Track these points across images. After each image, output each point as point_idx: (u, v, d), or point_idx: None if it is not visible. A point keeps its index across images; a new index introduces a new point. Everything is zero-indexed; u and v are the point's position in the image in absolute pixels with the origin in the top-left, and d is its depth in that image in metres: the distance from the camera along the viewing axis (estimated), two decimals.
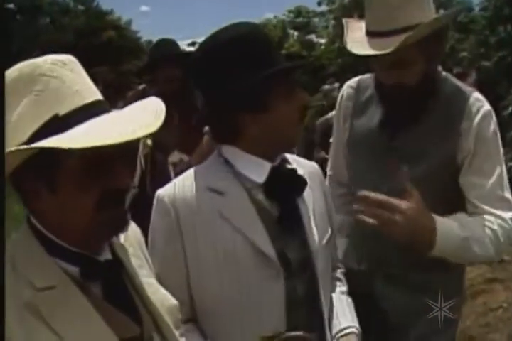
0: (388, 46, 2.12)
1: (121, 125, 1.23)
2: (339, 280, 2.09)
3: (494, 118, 2.26)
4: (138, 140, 2.89)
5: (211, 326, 1.75)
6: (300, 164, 1.91)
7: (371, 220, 1.91)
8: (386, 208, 1.91)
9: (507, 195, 2.24)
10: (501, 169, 2.25)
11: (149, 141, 3.53)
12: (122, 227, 1.36)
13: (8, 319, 1.10)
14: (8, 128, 1.20)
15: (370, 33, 2.23)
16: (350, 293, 2.16)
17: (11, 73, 1.26)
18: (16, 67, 1.28)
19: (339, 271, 2.12)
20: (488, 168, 2.23)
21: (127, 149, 1.31)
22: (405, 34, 2.10)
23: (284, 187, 1.79)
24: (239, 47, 1.70)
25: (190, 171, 1.83)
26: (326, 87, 9.89)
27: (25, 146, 1.18)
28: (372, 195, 1.92)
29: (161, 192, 1.78)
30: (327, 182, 2.70)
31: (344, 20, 2.42)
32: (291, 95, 1.75)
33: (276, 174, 1.78)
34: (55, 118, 1.24)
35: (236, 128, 1.74)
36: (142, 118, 1.27)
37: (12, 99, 1.23)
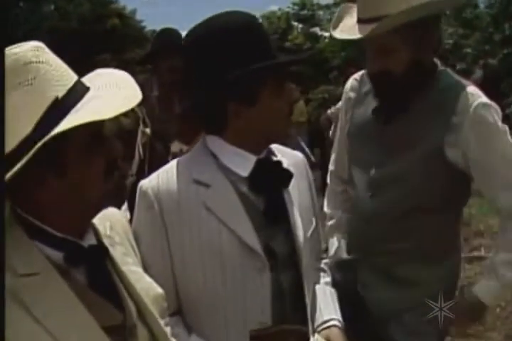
0: (360, 33, 2.20)
1: (111, 98, 1.28)
2: (323, 271, 2.08)
3: (492, 110, 2.24)
4: None
5: (195, 317, 1.75)
6: (285, 154, 1.89)
7: None
8: None
9: None
10: None
11: (148, 130, 3.52)
12: (123, 197, 1.40)
13: None
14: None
15: (358, 19, 2.28)
16: (339, 281, 2.16)
17: None
18: None
19: (323, 261, 2.11)
20: (503, 170, 2.24)
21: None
22: (378, 24, 2.15)
23: (269, 180, 1.77)
24: (232, 35, 1.68)
25: (174, 162, 1.81)
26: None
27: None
28: None
29: (144, 183, 1.77)
30: (328, 178, 2.70)
31: (344, 5, 2.46)
32: (280, 90, 1.73)
33: (261, 167, 1.76)
34: (56, 101, 1.25)
35: (222, 118, 1.72)
36: (124, 88, 1.32)
37: None
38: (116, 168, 1.36)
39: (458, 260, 2.52)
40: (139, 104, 1.32)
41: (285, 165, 1.82)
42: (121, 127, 3.33)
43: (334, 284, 2.09)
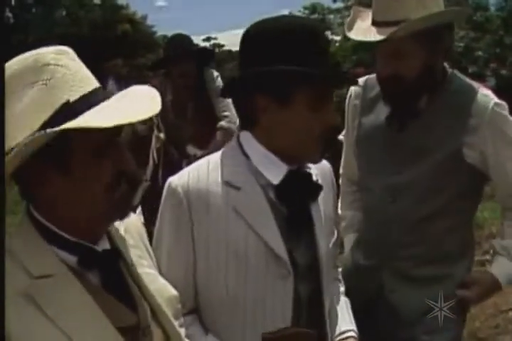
0: (380, 36, 2.19)
1: (124, 108, 1.29)
2: (339, 280, 2.08)
3: (504, 111, 2.29)
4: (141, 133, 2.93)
5: (212, 318, 1.74)
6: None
7: None
8: None
9: None
10: None
11: (162, 135, 3.55)
12: (129, 208, 1.40)
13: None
14: (13, 120, 1.22)
15: (373, 22, 2.29)
16: (359, 287, 2.16)
17: (11, 65, 1.27)
18: (16, 60, 1.29)
19: (338, 270, 2.11)
20: None
21: (130, 136, 1.38)
22: (397, 27, 2.15)
23: (298, 191, 1.75)
24: (288, 34, 1.66)
25: (205, 161, 1.79)
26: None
27: (57, 128, 1.21)
28: None
29: (173, 180, 1.74)
30: (340, 181, 2.73)
31: (355, 8, 2.47)
32: (318, 105, 1.67)
33: (292, 177, 1.74)
34: (66, 104, 1.27)
35: (250, 111, 1.71)
36: (142, 103, 1.33)
37: (15, 91, 1.25)
38: (124, 180, 1.35)
39: (473, 258, 2.55)
40: None
41: (315, 176, 1.80)
42: (136, 133, 3.36)
43: (354, 289, 2.10)
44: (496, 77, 12.12)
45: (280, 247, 1.69)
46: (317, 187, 1.79)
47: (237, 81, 1.77)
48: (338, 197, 2.12)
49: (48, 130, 1.21)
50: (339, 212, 2.71)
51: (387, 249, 2.41)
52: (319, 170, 1.86)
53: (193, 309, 1.75)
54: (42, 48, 1.32)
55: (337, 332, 1.89)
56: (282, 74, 1.64)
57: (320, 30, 1.77)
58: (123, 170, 1.34)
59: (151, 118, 3.24)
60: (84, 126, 1.20)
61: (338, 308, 1.95)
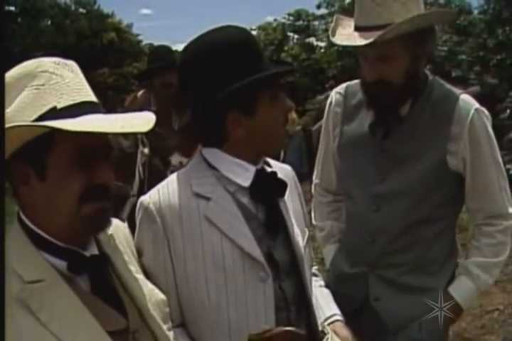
0: (365, 40, 2.17)
1: (111, 122, 1.33)
2: (315, 275, 2.10)
3: (485, 117, 2.30)
4: (127, 149, 2.94)
5: (198, 329, 1.76)
6: (276, 167, 1.93)
7: None
8: None
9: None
10: (503, 177, 2.34)
11: (146, 150, 3.60)
12: (105, 222, 1.43)
13: None
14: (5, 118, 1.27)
15: (356, 28, 2.29)
16: (346, 295, 2.19)
17: (16, 70, 1.36)
18: (21, 65, 1.37)
19: (314, 268, 2.12)
20: (490, 185, 2.32)
21: (113, 150, 1.44)
22: (384, 30, 2.14)
23: (268, 190, 1.81)
24: (228, 51, 1.72)
25: (173, 176, 1.83)
26: (320, 97, 9.97)
27: (33, 123, 1.28)
28: None
29: (145, 199, 1.78)
30: (313, 190, 2.74)
31: (336, 16, 2.46)
32: (275, 100, 1.76)
33: (261, 177, 1.79)
34: (53, 110, 1.32)
35: (223, 131, 1.75)
36: (132, 120, 1.37)
37: (12, 92, 1.32)
38: (103, 195, 1.39)
39: (456, 263, 2.53)
40: None
41: (279, 174, 1.85)
42: (123, 149, 3.41)
43: (341, 297, 2.11)
44: (481, 85, 12.15)
45: (255, 250, 1.72)
46: (283, 184, 1.83)
47: (199, 109, 1.79)
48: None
49: (32, 123, 1.28)
50: (314, 222, 2.72)
51: (372, 257, 2.41)
52: (281, 171, 1.90)
53: (180, 323, 1.77)
54: (49, 58, 1.39)
55: (323, 318, 1.93)
56: (246, 87, 1.69)
57: (250, 35, 1.83)
58: (102, 183, 1.38)
59: (135, 134, 3.27)
60: (55, 126, 1.25)
61: (320, 298, 1.99)
